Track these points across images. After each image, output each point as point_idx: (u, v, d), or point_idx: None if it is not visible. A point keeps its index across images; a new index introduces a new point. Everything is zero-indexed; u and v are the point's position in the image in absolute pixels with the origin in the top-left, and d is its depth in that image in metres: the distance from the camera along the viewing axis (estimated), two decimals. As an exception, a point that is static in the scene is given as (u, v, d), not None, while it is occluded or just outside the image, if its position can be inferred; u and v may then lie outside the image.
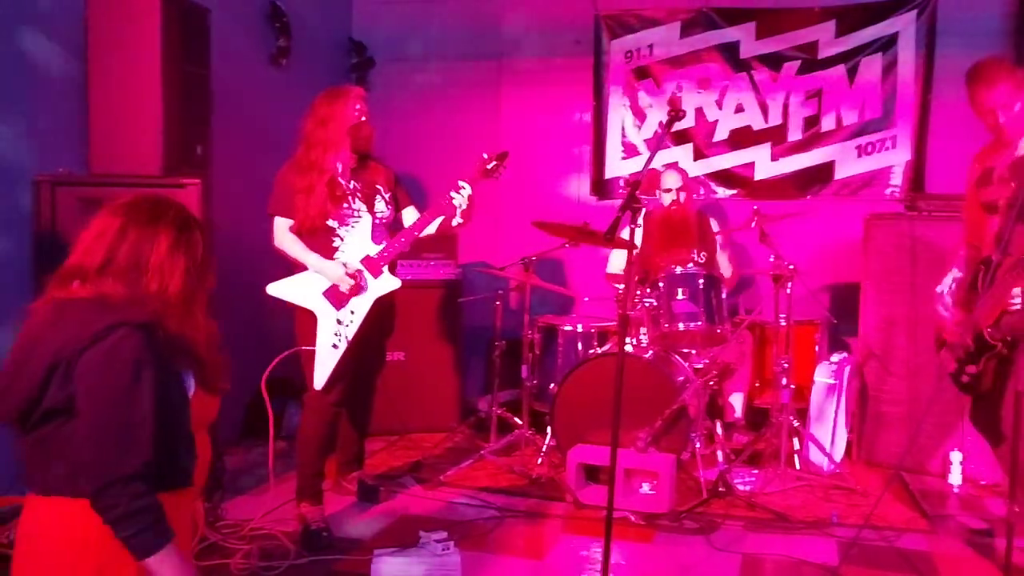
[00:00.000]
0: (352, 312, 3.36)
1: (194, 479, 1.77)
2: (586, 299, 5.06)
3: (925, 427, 3.98)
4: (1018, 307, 2.80)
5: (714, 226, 4.75)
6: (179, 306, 1.72)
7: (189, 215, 1.82)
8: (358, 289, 3.36)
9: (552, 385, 4.25)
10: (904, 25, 5.08)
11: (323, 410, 3.42)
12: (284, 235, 3.40)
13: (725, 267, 4.69)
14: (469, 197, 3.41)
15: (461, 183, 3.41)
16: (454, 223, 3.47)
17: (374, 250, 3.41)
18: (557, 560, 3.19)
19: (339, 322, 3.36)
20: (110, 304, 1.66)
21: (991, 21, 4.97)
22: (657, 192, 4.71)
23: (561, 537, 3.40)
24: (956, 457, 3.97)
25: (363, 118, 3.42)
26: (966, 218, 3.20)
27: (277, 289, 3.39)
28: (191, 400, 1.74)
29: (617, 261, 4.80)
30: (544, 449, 4.14)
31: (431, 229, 3.50)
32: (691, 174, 5.23)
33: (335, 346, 3.33)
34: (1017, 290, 2.79)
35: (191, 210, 1.87)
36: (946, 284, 3.15)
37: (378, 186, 3.51)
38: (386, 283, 3.42)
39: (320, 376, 3.32)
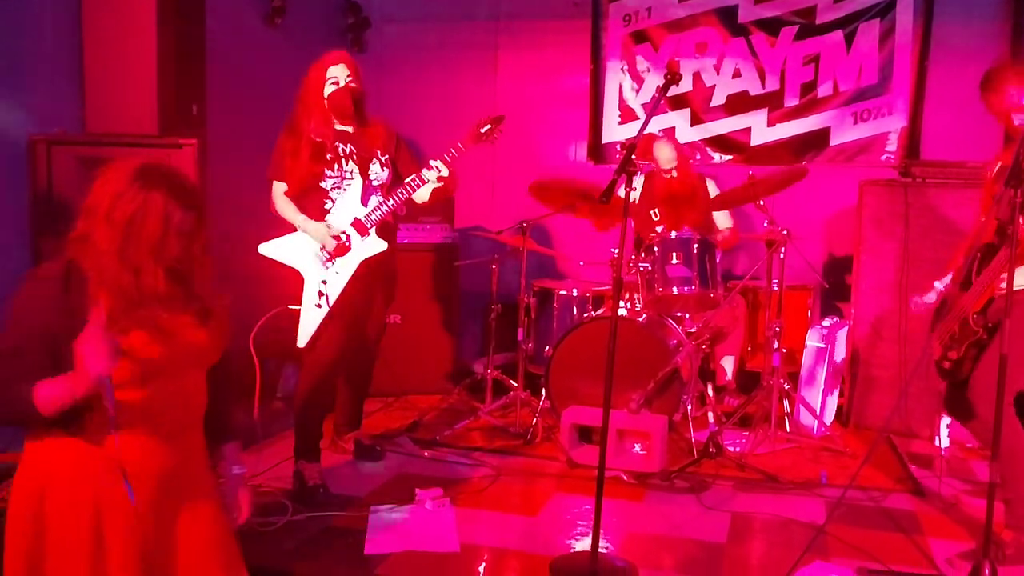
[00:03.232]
0: (337, 272, 3.40)
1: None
2: (581, 263, 5.09)
3: (915, 391, 4.03)
4: (1004, 291, 2.83)
5: (712, 189, 4.77)
6: (117, 254, 1.74)
7: (152, 171, 1.80)
8: (343, 249, 3.39)
9: (547, 348, 4.29)
10: (903, -10, 5.05)
11: (320, 370, 3.45)
12: (279, 198, 3.46)
13: (724, 222, 4.72)
14: (440, 179, 3.40)
15: (433, 162, 3.40)
16: (428, 189, 3.46)
17: (362, 212, 3.43)
18: (550, 517, 3.26)
19: (324, 282, 3.39)
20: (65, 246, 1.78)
21: (990, -13, 4.94)
22: (653, 161, 4.71)
23: (554, 495, 3.47)
24: (943, 421, 4.03)
25: (340, 85, 3.40)
26: (982, 214, 3.13)
27: (268, 249, 3.44)
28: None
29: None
30: (538, 410, 4.20)
31: (424, 196, 3.50)
32: (689, 139, 5.23)
33: (318, 306, 3.38)
34: (1004, 275, 2.80)
35: (187, 171, 1.88)
36: (944, 281, 3.16)
37: (376, 150, 3.51)
38: (372, 245, 3.43)
39: (303, 334, 3.37)
